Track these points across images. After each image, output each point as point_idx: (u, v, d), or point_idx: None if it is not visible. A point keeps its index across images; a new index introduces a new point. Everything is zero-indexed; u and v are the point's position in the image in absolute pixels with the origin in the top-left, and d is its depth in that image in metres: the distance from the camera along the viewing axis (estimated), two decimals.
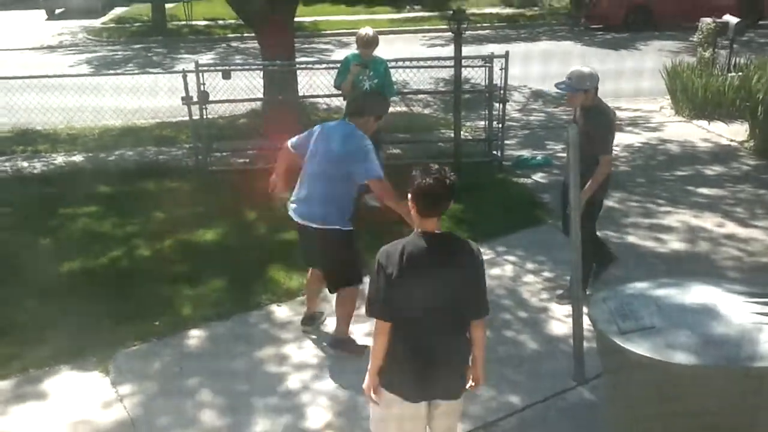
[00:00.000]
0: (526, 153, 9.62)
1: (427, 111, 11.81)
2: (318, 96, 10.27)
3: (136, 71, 14.91)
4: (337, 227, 4.98)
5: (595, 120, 5.49)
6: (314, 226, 5.02)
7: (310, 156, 5.14)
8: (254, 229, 7.53)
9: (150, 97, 10.42)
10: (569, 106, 5.86)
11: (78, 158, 9.74)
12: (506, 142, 9.54)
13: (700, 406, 3.40)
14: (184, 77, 8.84)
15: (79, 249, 6.97)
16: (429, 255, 3.31)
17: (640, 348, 3.40)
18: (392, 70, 7.97)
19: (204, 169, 9.18)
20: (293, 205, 5.18)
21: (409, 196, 3.38)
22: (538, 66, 12.89)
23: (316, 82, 9.74)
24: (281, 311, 5.92)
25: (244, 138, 10.17)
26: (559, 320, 5.64)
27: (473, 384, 3.57)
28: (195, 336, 5.59)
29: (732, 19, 11.74)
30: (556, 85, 5.72)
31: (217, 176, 9.03)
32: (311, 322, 5.61)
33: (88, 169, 9.29)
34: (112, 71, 15.26)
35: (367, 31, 7.42)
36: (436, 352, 3.37)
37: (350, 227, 5.07)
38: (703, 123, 10.80)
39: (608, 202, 7.60)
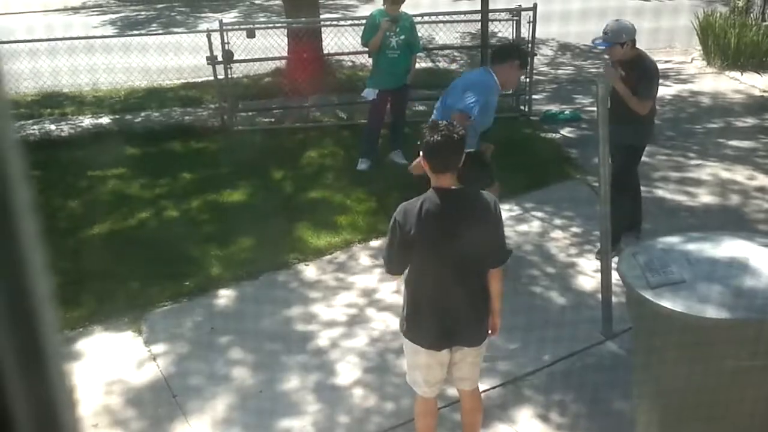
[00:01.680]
0: (554, 107, 9.49)
1: (453, 66, 11.66)
2: (343, 53, 10.19)
3: (160, 31, 14.84)
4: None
5: (636, 70, 5.50)
6: None
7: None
8: (281, 188, 7.55)
9: (174, 56, 10.41)
10: (611, 59, 5.78)
11: (104, 120, 9.77)
12: (534, 96, 9.43)
13: (731, 360, 3.38)
14: (209, 37, 8.81)
15: (109, 211, 7.04)
16: (445, 210, 3.33)
17: (670, 302, 3.36)
18: (418, 26, 7.88)
19: (230, 129, 9.19)
20: None
21: (421, 154, 3.37)
22: (567, 18, 12.64)
23: (341, 39, 9.66)
24: (309, 270, 5.95)
25: (269, 97, 10.15)
26: (588, 275, 5.62)
27: (490, 332, 3.64)
28: (225, 295, 5.65)
29: None
30: (593, 41, 5.75)
31: (244, 136, 9.04)
32: None
33: (114, 130, 9.32)
34: (136, 32, 15.22)
35: None
36: (457, 302, 3.43)
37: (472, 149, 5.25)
38: (736, 74, 10.54)
39: None
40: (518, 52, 5.57)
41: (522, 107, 9.26)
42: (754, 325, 3.29)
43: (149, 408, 4.47)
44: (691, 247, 3.84)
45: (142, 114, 10.01)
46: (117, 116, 9.88)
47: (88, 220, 6.86)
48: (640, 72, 5.49)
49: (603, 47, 5.59)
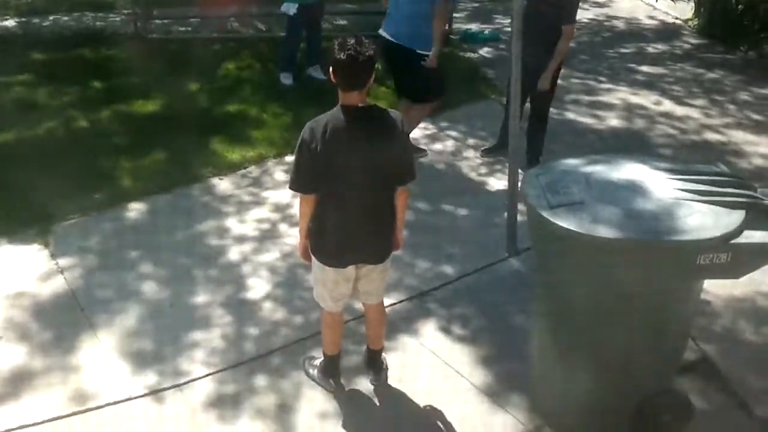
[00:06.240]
0: (474, 27, 9.50)
1: None
2: None
3: None
4: (420, 51, 5.64)
5: None
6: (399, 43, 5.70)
7: None
8: (196, 101, 7.40)
9: None
10: None
11: (10, 23, 9.31)
12: (454, 15, 9.39)
13: (619, 277, 3.57)
14: None
15: (14, 119, 6.78)
16: (350, 128, 3.34)
17: (565, 222, 3.50)
18: None
19: (144, 37, 8.88)
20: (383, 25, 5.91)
21: (330, 69, 3.36)
22: None
23: None
24: (223, 184, 5.92)
25: (186, 5, 9.80)
26: (497, 194, 5.76)
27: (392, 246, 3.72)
28: (135, 209, 5.58)
29: None
30: None
31: (158, 44, 8.75)
32: None
33: (20, 34, 8.90)
34: None
35: None
36: (362, 220, 3.49)
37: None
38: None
39: None
40: None
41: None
42: (641, 244, 3.47)
43: (56, 321, 4.43)
44: (592, 169, 3.97)
45: (51, 18, 9.56)
46: (23, 19, 9.41)
47: None
48: None
49: None
